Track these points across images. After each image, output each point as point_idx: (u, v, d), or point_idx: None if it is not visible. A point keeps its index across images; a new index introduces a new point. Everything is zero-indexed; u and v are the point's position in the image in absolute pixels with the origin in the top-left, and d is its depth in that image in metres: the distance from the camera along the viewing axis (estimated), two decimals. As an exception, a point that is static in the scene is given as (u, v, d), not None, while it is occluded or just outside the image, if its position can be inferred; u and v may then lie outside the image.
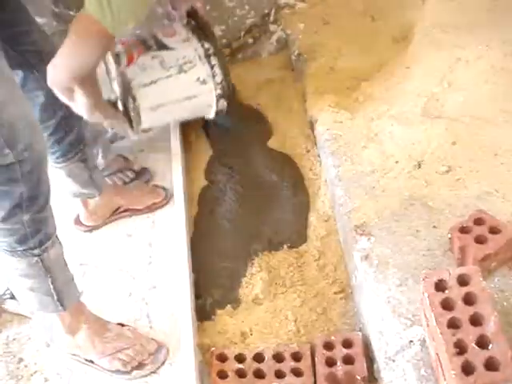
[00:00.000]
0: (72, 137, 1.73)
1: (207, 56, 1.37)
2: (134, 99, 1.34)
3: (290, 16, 2.28)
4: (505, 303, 1.26)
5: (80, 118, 1.28)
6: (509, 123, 1.59)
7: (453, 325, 1.11)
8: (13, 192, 1.34)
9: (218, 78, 1.36)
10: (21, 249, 1.42)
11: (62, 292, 1.50)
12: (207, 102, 1.40)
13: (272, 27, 2.33)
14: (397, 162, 1.64)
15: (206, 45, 1.36)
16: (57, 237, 1.50)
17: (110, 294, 1.77)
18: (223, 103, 1.40)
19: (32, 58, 1.56)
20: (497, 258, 1.31)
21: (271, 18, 2.32)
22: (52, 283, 1.48)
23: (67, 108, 1.31)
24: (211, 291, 1.68)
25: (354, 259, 1.50)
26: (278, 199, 1.87)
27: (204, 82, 1.38)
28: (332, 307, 1.59)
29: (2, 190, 1.34)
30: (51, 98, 1.41)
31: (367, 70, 1.93)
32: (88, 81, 1.19)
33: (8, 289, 1.91)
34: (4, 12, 1.47)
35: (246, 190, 1.93)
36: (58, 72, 1.17)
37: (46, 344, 1.73)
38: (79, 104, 1.22)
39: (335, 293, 1.61)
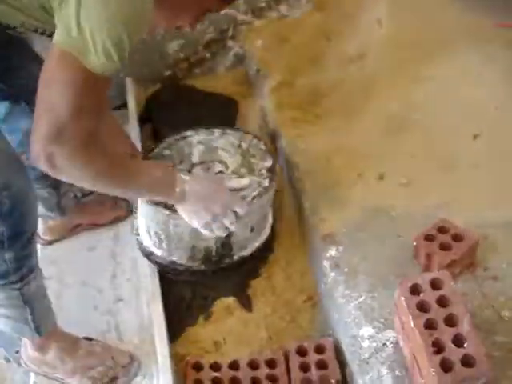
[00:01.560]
0: None
1: None
2: None
3: (248, 32, 2.33)
4: (469, 305, 1.34)
5: None
6: (463, 137, 1.70)
7: (429, 326, 1.18)
8: None
9: None
10: (1, 283, 1.39)
11: (39, 321, 1.49)
12: None
13: (230, 43, 2.38)
14: (359, 174, 1.71)
15: None
16: (38, 267, 1.48)
17: (76, 308, 1.75)
18: None
19: (22, 90, 1.49)
20: (461, 264, 1.40)
21: (229, 34, 2.36)
22: (31, 314, 1.46)
23: None
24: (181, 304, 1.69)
25: (323, 267, 1.56)
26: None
27: None
28: (301, 315, 1.63)
29: None
30: None
31: (326, 87, 2.00)
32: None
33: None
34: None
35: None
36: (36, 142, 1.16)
37: (6, 359, 1.69)
38: None
39: (303, 301, 1.66)
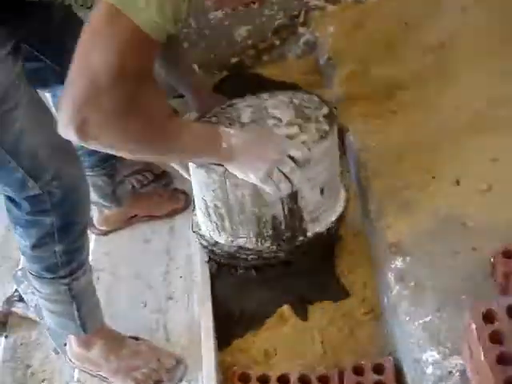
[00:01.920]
0: (104, 153, 1.65)
1: None
2: None
3: (320, 18, 2.21)
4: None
5: None
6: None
7: (503, 361, 1.03)
8: (42, 222, 1.27)
9: None
10: (49, 277, 1.36)
11: (85, 318, 1.44)
12: None
13: (301, 29, 2.26)
14: (434, 177, 1.55)
15: None
16: (88, 263, 1.44)
17: (125, 304, 1.70)
18: None
19: None
20: (544, 287, 1.23)
21: (300, 20, 2.24)
22: (77, 310, 1.42)
23: None
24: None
25: (388, 279, 1.42)
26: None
27: None
28: (360, 328, 1.51)
29: (30, 219, 1.28)
30: None
31: (402, 79, 1.85)
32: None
33: (17, 290, 1.85)
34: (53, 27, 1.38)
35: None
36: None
37: (55, 351, 1.66)
38: None
39: (363, 314, 1.53)
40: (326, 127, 1.42)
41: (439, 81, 1.76)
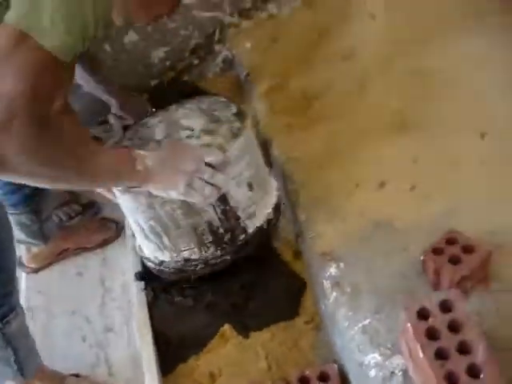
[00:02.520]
0: (27, 190, 1.63)
1: None
2: None
3: (236, 35, 2.22)
4: (484, 325, 1.22)
5: None
6: (470, 135, 1.56)
7: (440, 355, 1.05)
8: None
9: None
10: None
11: (23, 362, 1.42)
12: None
13: (217, 47, 2.27)
14: (357, 184, 1.58)
15: None
16: (19, 305, 1.42)
17: (63, 341, 1.66)
18: None
19: None
20: (472, 279, 1.27)
21: (216, 38, 2.25)
22: (14, 354, 1.39)
23: None
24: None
25: (324, 287, 1.43)
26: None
27: None
28: (302, 339, 1.51)
29: None
30: None
31: (319, 88, 1.88)
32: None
33: None
34: None
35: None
36: None
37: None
38: None
39: (305, 323, 1.54)
40: (238, 124, 1.44)
41: (354, 87, 1.80)
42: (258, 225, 1.49)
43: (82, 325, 1.68)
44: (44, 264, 1.87)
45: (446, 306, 1.12)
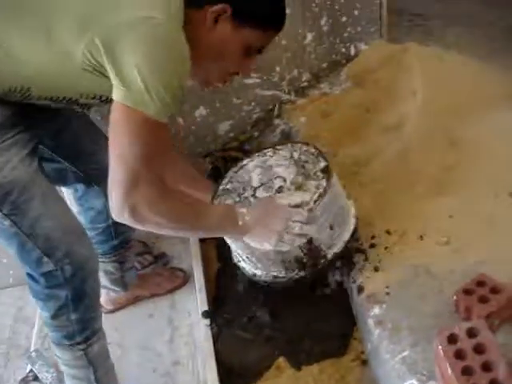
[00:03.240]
0: (116, 241, 1.87)
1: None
2: None
3: (292, 110, 2.49)
4: (509, 355, 1.36)
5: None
6: (500, 195, 1.76)
7: (466, 372, 1.22)
8: (57, 295, 1.48)
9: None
10: (67, 343, 1.55)
11: (101, 381, 1.61)
12: None
13: (276, 121, 2.53)
14: (401, 235, 1.78)
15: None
16: (102, 330, 1.62)
17: (136, 371, 1.85)
18: None
19: (94, 175, 1.70)
20: (499, 316, 1.44)
21: (275, 113, 2.52)
22: (94, 373, 1.59)
23: None
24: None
25: (368, 326, 1.61)
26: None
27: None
28: (349, 374, 1.68)
29: (48, 292, 1.48)
30: (107, 207, 1.60)
31: (367, 156, 2.11)
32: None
33: (31, 371, 2.00)
34: (68, 133, 1.62)
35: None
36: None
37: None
38: None
39: (351, 360, 1.71)
40: (324, 183, 1.64)
41: (398, 155, 2.02)
42: (337, 251, 1.69)
43: (153, 358, 1.88)
44: (120, 307, 2.09)
45: (472, 333, 1.29)
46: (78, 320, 1.52)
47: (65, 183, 1.76)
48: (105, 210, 1.74)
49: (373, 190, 1.96)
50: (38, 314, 2.25)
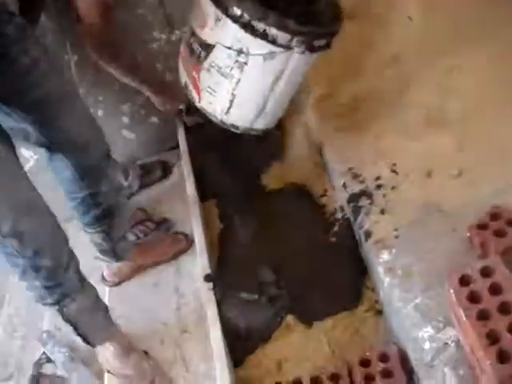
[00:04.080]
0: (97, 211, 1.79)
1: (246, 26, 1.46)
2: None
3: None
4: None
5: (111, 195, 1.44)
6: (510, 121, 1.60)
7: (482, 316, 1.10)
8: (15, 262, 1.46)
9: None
10: (41, 303, 1.55)
11: (86, 335, 1.59)
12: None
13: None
14: (407, 173, 1.65)
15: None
16: (81, 292, 1.57)
17: (144, 343, 1.77)
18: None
19: (64, 146, 1.61)
20: (519, 250, 1.31)
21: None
22: (75, 330, 1.58)
23: (95, 185, 1.53)
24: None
25: (379, 273, 1.50)
26: (295, 232, 1.87)
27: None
28: (364, 325, 1.58)
29: (6, 259, 1.47)
30: (77, 177, 1.52)
31: (367, 93, 1.96)
32: None
33: (44, 353, 1.95)
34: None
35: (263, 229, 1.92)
36: None
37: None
38: None
39: (365, 311, 1.60)
40: None
41: (399, 88, 1.87)
42: None
43: (160, 328, 1.81)
44: (124, 278, 2.02)
45: (486, 272, 1.17)
46: (42, 286, 1.50)
47: (28, 142, 1.65)
48: (75, 180, 1.67)
49: (373, 129, 1.83)
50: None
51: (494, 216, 1.36)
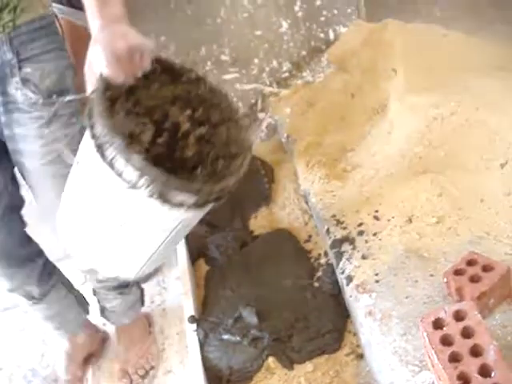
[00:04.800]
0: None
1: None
2: None
3: (276, 103, 2.42)
4: (509, 338, 1.28)
5: None
6: (490, 169, 1.65)
7: (454, 359, 1.13)
8: None
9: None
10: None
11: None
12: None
13: (260, 115, 2.48)
14: (389, 220, 1.69)
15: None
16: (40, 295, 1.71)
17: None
18: None
19: None
20: (494, 295, 1.34)
21: (259, 107, 2.46)
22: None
23: None
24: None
25: (359, 317, 1.53)
26: (279, 276, 1.90)
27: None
28: (345, 369, 1.59)
29: None
30: None
31: (352, 142, 2.03)
32: None
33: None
34: None
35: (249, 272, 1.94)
36: None
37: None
38: None
39: (346, 355, 1.62)
40: None
41: (383, 137, 1.93)
42: None
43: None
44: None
45: (459, 316, 1.20)
46: None
47: None
48: None
49: (358, 176, 1.88)
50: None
51: (470, 262, 1.39)
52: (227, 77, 2.32)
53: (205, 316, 1.76)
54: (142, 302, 1.89)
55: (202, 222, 2.04)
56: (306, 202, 2.02)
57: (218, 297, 1.82)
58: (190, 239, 2.05)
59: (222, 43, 2.20)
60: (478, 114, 1.76)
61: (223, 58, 2.27)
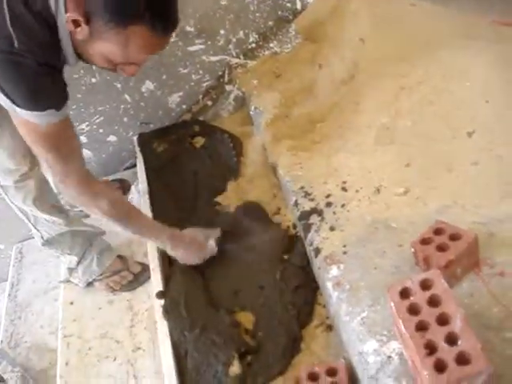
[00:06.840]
0: None
1: None
2: None
3: (243, 74, 2.38)
4: (476, 306, 1.28)
5: None
6: (456, 139, 1.65)
7: (421, 327, 1.13)
8: None
9: None
10: None
11: None
12: None
13: (228, 87, 2.43)
14: (357, 191, 1.68)
15: None
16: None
17: (96, 362, 1.77)
18: None
19: None
20: (461, 264, 1.34)
21: (226, 79, 2.42)
22: None
23: None
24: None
25: (328, 289, 1.52)
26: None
27: None
28: (315, 341, 1.59)
29: None
30: None
31: (320, 113, 2.01)
32: None
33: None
34: None
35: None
36: None
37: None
38: None
39: (315, 326, 1.62)
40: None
41: (351, 107, 1.92)
42: None
43: (113, 346, 1.80)
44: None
45: (426, 285, 1.20)
46: None
47: None
48: None
49: (326, 147, 1.86)
50: (4, 311, 2.20)
51: (438, 231, 1.39)
52: (193, 48, 2.26)
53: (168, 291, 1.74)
54: None
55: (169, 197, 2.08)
56: (275, 175, 2.00)
57: (184, 273, 1.80)
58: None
59: (187, 14, 2.14)
60: (445, 83, 1.75)
61: (188, 29, 2.21)
